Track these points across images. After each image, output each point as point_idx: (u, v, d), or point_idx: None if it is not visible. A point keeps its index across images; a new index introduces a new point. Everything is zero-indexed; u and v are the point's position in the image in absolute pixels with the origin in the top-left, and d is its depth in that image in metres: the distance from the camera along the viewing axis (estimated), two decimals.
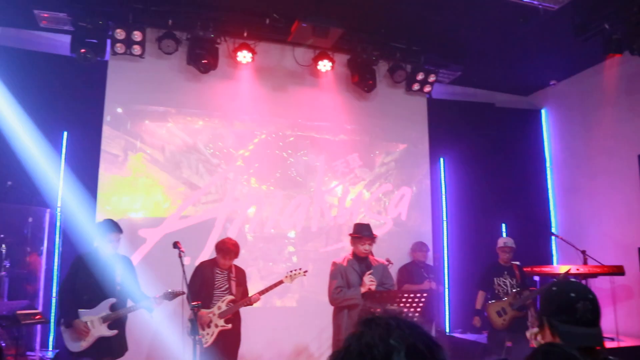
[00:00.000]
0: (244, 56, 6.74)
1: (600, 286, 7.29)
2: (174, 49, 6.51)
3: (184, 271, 4.45)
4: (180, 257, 4.53)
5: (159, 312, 5.28)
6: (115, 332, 4.76)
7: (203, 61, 6.56)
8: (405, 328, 1.00)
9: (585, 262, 7.09)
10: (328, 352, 6.26)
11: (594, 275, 6.86)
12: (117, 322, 4.81)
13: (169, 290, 4.87)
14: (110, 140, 6.51)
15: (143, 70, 6.68)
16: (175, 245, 4.63)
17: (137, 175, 6.57)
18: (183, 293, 4.77)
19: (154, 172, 6.64)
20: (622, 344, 6.71)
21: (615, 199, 7.69)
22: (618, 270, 6.74)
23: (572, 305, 1.92)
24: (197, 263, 5.66)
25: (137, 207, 6.53)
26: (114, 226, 4.94)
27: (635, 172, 7.07)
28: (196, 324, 4.45)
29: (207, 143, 6.91)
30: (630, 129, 7.54)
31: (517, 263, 6.58)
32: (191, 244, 6.27)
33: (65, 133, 6.48)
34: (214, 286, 5.29)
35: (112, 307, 4.78)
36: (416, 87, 7.61)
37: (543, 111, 9.31)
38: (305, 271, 5.50)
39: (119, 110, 6.60)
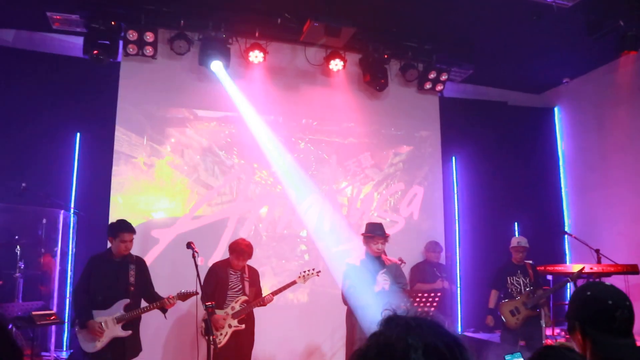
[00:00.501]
0: (256, 56, 6.74)
1: (614, 284, 7.23)
2: (186, 50, 6.53)
3: (197, 272, 4.48)
4: (194, 257, 4.56)
5: (172, 313, 5.31)
6: (129, 332, 4.80)
7: (215, 61, 6.57)
8: (424, 327, 1.01)
9: (599, 261, 7.03)
10: (340, 351, 6.27)
11: (608, 274, 6.80)
12: (131, 322, 4.85)
13: (183, 290, 4.89)
14: (124, 141, 6.54)
15: (155, 71, 6.70)
16: (189, 245, 4.66)
17: (151, 176, 6.60)
18: (197, 294, 4.79)
19: (167, 172, 6.66)
20: (638, 343, 6.65)
21: (629, 197, 7.61)
22: (632, 269, 6.68)
23: (611, 314, 1.82)
24: (210, 263, 5.69)
25: (151, 208, 6.55)
26: (127, 226, 4.97)
27: None
28: (210, 324, 4.48)
29: (220, 143, 6.93)
30: None
31: (531, 262, 6.55)
32: (204, 244, 6.27)
33: (79, 134, 6.52)
34: (227, 287, 5.30)
35: (126, 308, 4.81)
36: (428, 85, 7.58)
37: (556, 109, 9.24)
38: (319, 271, 5.50)
39: (132, 111, 6.62)
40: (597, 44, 6.87)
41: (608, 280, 6.99)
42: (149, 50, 6.46)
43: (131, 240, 4.96)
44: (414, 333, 0.98)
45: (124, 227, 4.94)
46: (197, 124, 6.89)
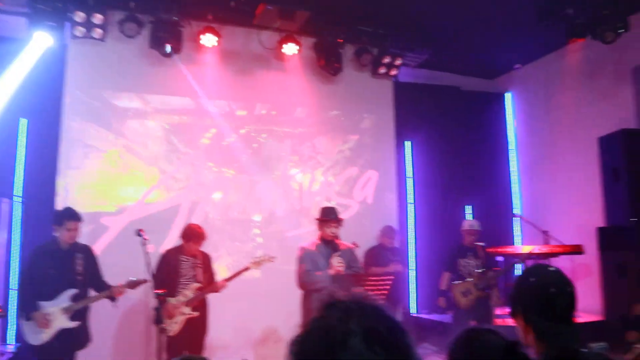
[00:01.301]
0: (209, 40, 6.62)
1: (560, 265, 7.49)
2: (136, 33, 6.35)
3: (147, 259, 4.41)
4: (143, 245, 4.49)
5: (123, 302, 5.22)
6: (77, 323, 4.68)
7: (166, 44, 6.42)
8: (365, 311, 0.99)
9: (546, 242, 7.26)
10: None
11: (555, 254, 7.05)
12: (79, 312, 4.73)
13: (132, 278, 4.80)
14: (72, 127, 6.34)
15: (104, 55, 6.50)
16: (139, 233, 4.59)
17: (100, 163, 6.43)
18: (147, 281, 4.71)
19: (117, 159, 6.50)
20: (581, 320, 6.93)
21: (576, 180, 7.87)
22: (577, 250, 6.94)
23: (552, 302, 1.83)
24: (161, 250, 5.59)
25: (100, 195, 6.39)
26: (73, 214, 4.83)
27: (595, 155, 7.22)
28: (161, 312, 4.43)
29: (172, 129, 6.80)
30: (591, 112, 7.70)
31: (482, 244, 6.70)
32: (156, 231, 6.17)
33: (25, 120, 6.27)
34: (179, 274, 5.23)
35: (73, 298, 4.68)
36: (382, 70, 7.61)
37: (508, 95, 9.43)
38: (273, 257, 5.49)
39: (81, 95, 6.42)
40: (547, 31, 7.02)
41: (555, 261, 7.24)
42: (97, 33, 6.26)
43: (77, 229, 4.82)
44: (354, 318, 0.97)
45: (69, 215, 4.80)
46: (149, 109, 6.74)
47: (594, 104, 7.68)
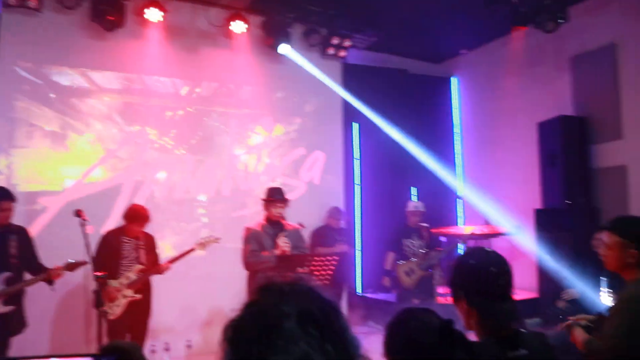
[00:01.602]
0: (153, 14, 6.39)
1: (500, 245, 7.77)
2: (75, 4, 6.04)
3: (86, 240, 4.28)
4: (82, 226, 4.35)
5: (62, 286, 5.05)
6: (11, 308, 4.49)
7: (108, 18, 6.17)
8: (299, 294, 1.00)
9: (487, 223, 7.52)
10: None
11: (495, 235, 7.31)
12: (14, 297, 4.54)
13: (71, 260, 4.64)
14: (6, 102, 6.01)
15: (41, 26, 6.16)
16: (77, 213, 4.43)
17: (37, 140, 6.14)
18: (86, 263, 4.57)
19: (52, 134, 6.22)
20: (518, 297, 7.24)
21: (517, 164, 8.15)
22: (516, 231, 7.21)
23: (494, 281, 1.87)
24: (103, 232, 5.43)
25: (37, 174, 6.12)
26: (5, 194, 4.61)
27: (534, 140, 7.49)
28: (101, 295, 4.31)
29: (114, 106, 6.57)
30: (532, 99, 7.96)
31: (425, 225, 6.87)
32: (96, 211, 5.99)
33: None
34: (121, 255, 5.09)
35: (7, 282, 4.48)
36: (331, 51, 7.59)
37: (454, 79, 9.62)
38: (218, 238, 5.43)
39: (16, 69, 6.09)
40: (492, 18, 7.18)
41: (495, 241, 7.52)
42: (32, 2, 5.91)
43: (10, 209, 4.60)
44: (288, 301, 0.97)
45: (2, 195, 4.58)
46: (90, 84, 6.46)
47: (534, 90, 7.94)
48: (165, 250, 6.48)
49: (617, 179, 6.92)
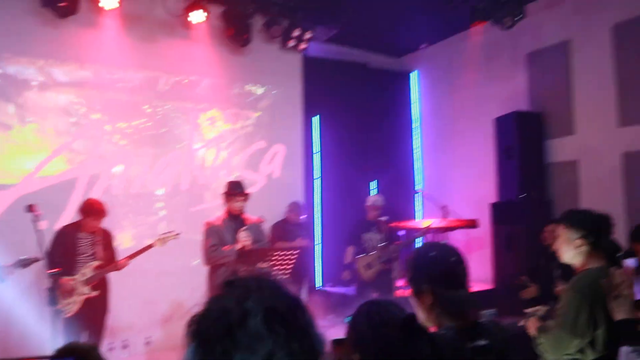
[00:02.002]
0: (108, 2, 6.18)
1: (456, 238, 7.94)
2: None
3: (39, 237, 4.13)
4: (35, 221, 4.20)
5: (12, 283, 4.86)
6: None
7: (60, 4, 5.93)
8: (265, 290, 0.98)
9: (445, 217, 7.65)
10: None
11: (452, 228, 7.46)
12: None
13: (22, 257, 4.48)
14: None
15: None
16: (29, 208, 4.27)
17: None
18: (39, 260, 4.41)
19: (4, 127, 5.97)
20: (474, 289, 7.42)
21: (474, 158, 8.32)
22: (473, 224, 7.38)
23: (454, 270, 1.92)
24: (57, 227, 5.25)
25: None
26: None
27: (491, 134, 7.67)
28: (55, 293, 4.18)
29: (67, 96, 6.33)
30: (489, 94, 8.13)
31: (384, 218, 6.93)
32: (50, 206, 5.79)
33: None
34: (77, 252, 4.94)
35: None
36: (292, 43, 7.52)
37: (414, 73, 9.72)
38: (177, 233, 5.34)
39: None
40: (452, 13, 7.28)
41: (452, 234, 7.67)
42: None
43: None
44: (253, 297, 0.95)
45: None
46: (42, 74, 6.21)
47: (492, 86, 8.12)
48: (124, 242, 6.37)
49: (570, 173, 7.17)
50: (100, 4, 6.14)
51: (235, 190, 5.15)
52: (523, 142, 7.28)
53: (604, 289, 2.06)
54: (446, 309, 1.89)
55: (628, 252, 2.71)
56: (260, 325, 0.92)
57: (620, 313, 2.01)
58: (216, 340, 0.92)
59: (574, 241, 2.61)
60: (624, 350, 1.90)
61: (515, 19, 6.73)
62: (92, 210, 4.97)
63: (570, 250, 2.65)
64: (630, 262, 2.18)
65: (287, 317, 0.95)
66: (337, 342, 1.82)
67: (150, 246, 5.15)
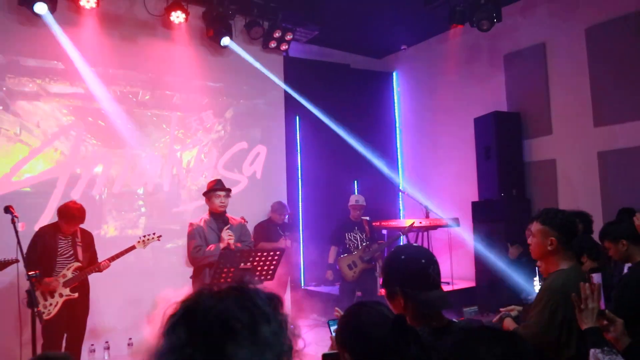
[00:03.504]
0: (88, 1, 6.11)
1: (439, 237, 8.02)
2: None
3: (18, 238, 4.08)
4: (13, 222, 4.15)
5: None
6: None
7: (39, 3, 5.85)
8: (236, 300, 0.97)
9: (427, 216, 7.72)
10: None
11: (435, 227, 7.53)
12: None
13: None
14: None
15: None
16: (7, 209, 4.23)
17: None
18: (17, 261, 4.35)
19: None
20: (456, 287, 7.52)
21: (455, 158, 8.42)
22: (454, 222, 7.46)
23: (425, 271, 1.94)
24: (36, 228, 5.18)
25: None
26: None
27: (471, 135, 7.76)
28: (34, 295, 4.13)
29: (46, 96, 6.23)
30: (468, 95, 8.24)
31: (367, 218, 6.97)
32: (29, 207, 5.72)
33: None
34: (56, 253, 4.87)
35: None
36: (273, 44, 7.54)
37: (394, 74, 9.80)
38: (159, 236, 5.30)
39: None
40: (431, 15, 7.37)
41: (434, 232, 7.74)
42: None
43: None
44: (228, 308, 0.95)
45: None
46: (20, 72, 6.10)
47: (471, 86, 8.23)
48: (110, 231, 6.31)
49: (548, 171, 7.30)
50: (80, 4, 6.07)
51: (216, 186, 5.15)
52: (502, 142, 7.39)
53: (572, 301, 2.13)
54: (418, 310, 1.92)
55: (595, 269, 2.76)
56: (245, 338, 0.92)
57: (585, 324, 2.09)
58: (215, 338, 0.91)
59: (546, 239, 2.64)
60: (592, 352, 1.98)
61: (493, 22, 6.81)
62: (68, 214, 4.89)
63: (542, 248, 2.68)
64: (596, 278, 2.26)
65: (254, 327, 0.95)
66: (327, 357, 1.84)
67: (132, 248, 5.11)
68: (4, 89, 6.01)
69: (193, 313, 0.95)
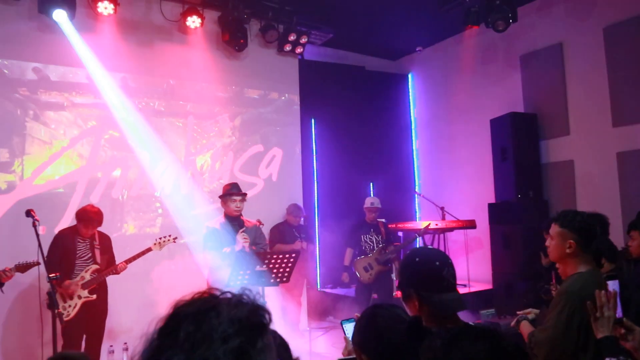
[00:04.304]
0: (105, 7, 6.21)
1: (455, 239, 7.99)
2: None
3: (39, 241, 4.16)
4: (34, 226, 4.23)
5: (13, 287, 4.89)
6: None
7: (57, 10, 5.96)
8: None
9: (443, 218, 7.70)
10: None
11: (451, 229, 7.50)
12: None
13: (22, 261, 4.50)
14: None
15: None
16: (29, 213, 4.31)
17: None
18: (38, 264, 4.43)
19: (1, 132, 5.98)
20: (473, 289, 7.47)
21: (471, 159, 8.37)
22: (471, 224, 7.43)
23: (439, 274, 1.93)
24: (56, 231, 5.27)
25: None
26: None
27: (487, 135, 7.71)
28: (55, 296, 4.20)
29: (66, 101, 6.35)
30: (484, 96, 8.19)
31: (383, 220, 6.97)
32: (50, 211, 5.82)
33: None
34: (75, 256, 4.97)
35: None
36: (288, 47, 7.57)
37: (410, 76, 9.78)
38: (175, 238, 5.36)
39: None
40: (446, 17, 7.34)
41: (451, 235, 7.70)
42: None
43: None
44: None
45: None
46: (39, 78, 6.22)
47: (487, 87, 8.18)
48: (129, 229, 6.40)
49: (565, 173, 7.21)
50: (99, 10, 6.17)
51: (232, 190, 5.19)
52: (519, 143, 7.33)
53: (587, 310, 2.10)
54: (433, 312, 1.92)
55: (611, 272, 2.71)
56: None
57: (600, 333, 2.06)
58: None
59: (565, 242, 2.60)
60: None
61: (508, 22, 6.76)
62: (85, 217, 4.99)
63: (560, 251, 2.64)
64: (612, 285, 2.22)
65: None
66: None
67: (148, 250, 5.18)
68: (25, 95, 6.11)
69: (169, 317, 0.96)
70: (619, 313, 2.03)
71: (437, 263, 1.97)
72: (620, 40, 6.59)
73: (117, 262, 5.16)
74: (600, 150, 6.83)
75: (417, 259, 2.03)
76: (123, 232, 6.51)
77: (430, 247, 2.26)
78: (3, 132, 5.94)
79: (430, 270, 1.96)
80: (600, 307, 2.07)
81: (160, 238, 5.30)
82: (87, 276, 4.94)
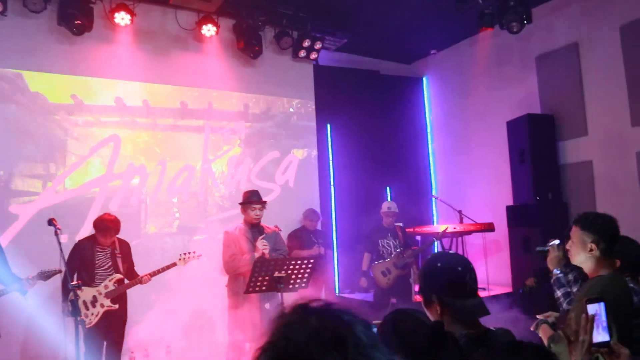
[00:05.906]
0: (122, 18, 6.32)
1: (473, 242, 7.93)
2: (41, 8, 5.93)
3: (61, 249, 4.21)
4: (56, 234, 4.28)
5: (34, 295, 4.95)
6: None
7: (76, 22, 6.06)
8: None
9: (461, 221, 7.65)
10: (223, 317, 6.23)
11: (469, 232, 7.44)
12: None
13: (44, 269, 4.56)
14: None
15: (6, 29, 6.03)
16: (51, 222, 4.36)
17: (4, 145, 5.99)
18: (59, 271, 4.49)
19: (22, 141, 6.08)
20: (492, 293, 7.40)
21: (488, 162, 8.31)
22: (489, 227, 7.36)
23: (462, 279, 1.93)
24: (77, 240, 5.34)
25: (7, 181, 5.98)
26: None
27: (504, 137, 7.65)
28: (77, 304, 4.25)
29: (82, 110, 6.45)
30: (500, 97, 8.14)
31: (400, 224, 6.94)
32: (70, 219, 5.90)
33: None
34: (95, 265, 5.01)
35: None
36: (302, 54, 7.61)
37: (425, 79, 9.75)
38: (199, 255, 5.40)
39: None
40: (460, 19, 7.32)
41: (469, 238, 7.65)
42: None
43: None
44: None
45: None
46: (58, 90, 6.32)
47: (503, 89, 8.12)
48: (150, 229, 6.48)
49: (584, 174, 7.13)
50: (115, 21, 6.27)
51: (252, 198, 5.20)
52: (536, 144, 7.26)
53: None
54: (455, 318, 1.91)
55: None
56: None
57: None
58: None
59: (586, 245, 2.57)
60: None
61: (523, 23, 6.71)
62: (102, 226, 5.03)
63: (581, 254, 2.60)
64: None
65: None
66: None
67: (173, 265, 5.23)
68: (44, 105, 6.22)
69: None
70: (606, 336, 1.95)
71: (460, 268, 1.96)
72: (638, 38, 6.50)
73: (135, 269, 5.22)
74: (619, 150, 6.74)
75: (438, 265, 2.03)
76: (142, 239, 6.57)
77: (451, 252, 2.23)
78: (25, 143, 6.03)
79: (452, 276, 1.95)
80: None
81: (185, 254, 5.34)
82: (111, 285, 4.99)
